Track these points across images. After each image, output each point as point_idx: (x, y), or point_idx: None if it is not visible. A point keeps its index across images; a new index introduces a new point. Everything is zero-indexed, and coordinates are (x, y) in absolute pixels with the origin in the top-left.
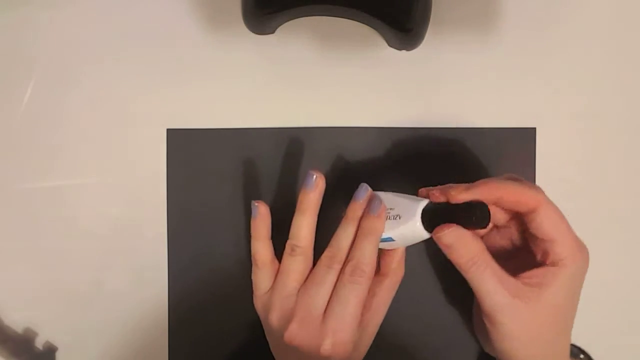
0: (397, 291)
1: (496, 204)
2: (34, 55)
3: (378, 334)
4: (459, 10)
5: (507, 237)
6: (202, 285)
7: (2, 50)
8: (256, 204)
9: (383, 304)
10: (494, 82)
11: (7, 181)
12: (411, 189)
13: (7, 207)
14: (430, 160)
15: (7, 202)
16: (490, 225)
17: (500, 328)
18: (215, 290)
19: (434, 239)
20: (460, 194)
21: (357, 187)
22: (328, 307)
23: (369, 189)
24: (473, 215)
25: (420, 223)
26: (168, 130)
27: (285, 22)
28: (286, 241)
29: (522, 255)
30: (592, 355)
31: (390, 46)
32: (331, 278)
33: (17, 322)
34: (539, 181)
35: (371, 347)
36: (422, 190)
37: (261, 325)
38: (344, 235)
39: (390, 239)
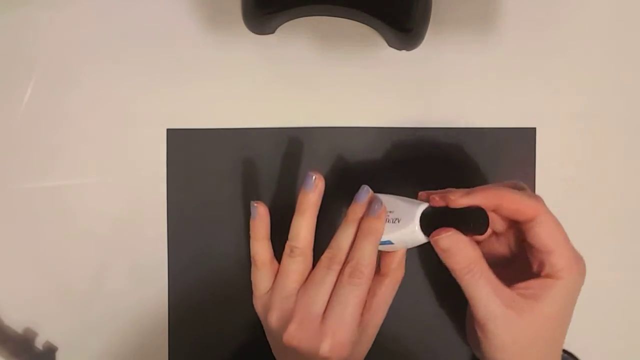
0: (395, 294)
1: (495, 211)
2: (34, 55)
3: (378, 335)
4: (459, 10)
5: (504, 246)
6: (202, 285)
7: (2, 50)
8: (255, 204)
9: (383, 304)
10: (494, 82)
11: (7, 181)
12: (411, 188)
13: (7, 207)
14: (430, 161)
15: (7, 202)
16: (489, 232)
17: (491, 338)
18: (215, 290)
19: (431, 242)
20: (460, 199)
21: (358, 188)
22: (327, 308)
23: (370, 190)
24: (471, 221)
25: (419, 227)
26: (168, 130)
27: (285, 22)
28: (286, 241)
29: (518, 264)
30: None
31: (390, 46)
32: (330, 279)
33: (17, 322)
34: (539, 181)
35: (372, 348)
36: (422, 194)
37: (261, 325)
38: (344, 236)
39: (389, 242)
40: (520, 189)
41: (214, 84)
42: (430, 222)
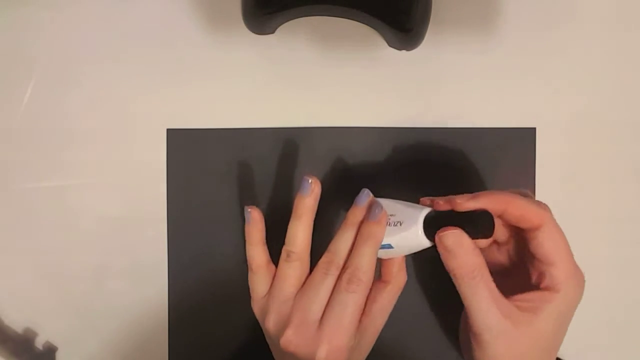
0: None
1: (500, 217)
2: (34, 55)
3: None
4: (459, 10)
5: (504, 255)
6: (202, 285)
7: (2, 50)
8: (249, 209)
9: (384, 311)
10: (494, 82)
11: (8, 181)
12: (411, 189)
13: (7, 207)
14: (430, 161)
15: (7, 202)
16: (490, 240)
17: (485, 347)
18: (215, 290)
19: (435, 241)
20: (466, 203)
21: (358, 190)
22: (324, 313)
23: (371, 194)
24: (477, 224)
25: (422, 231)
26: (168, 130)
27: (285, 22)
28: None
29: (516, 275)
30: None
31: (390, 46)
32: (328, 284)
33: (17, 322)
34: (539, 181)
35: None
36: (425, 200)
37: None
38: (343, 240)
39: (389, 246)
40: (525, 196)
41: (214, 84)
42: (434, 226)
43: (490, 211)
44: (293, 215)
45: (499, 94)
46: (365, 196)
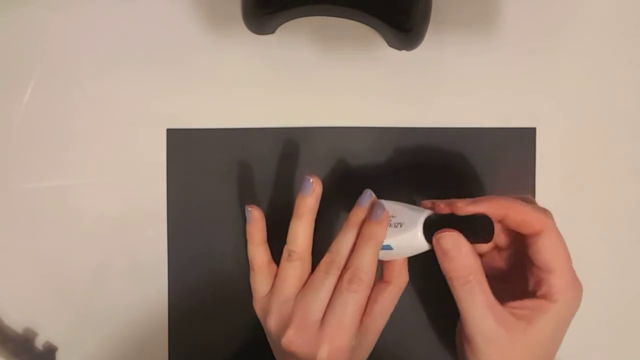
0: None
1: (501, 222)
2: (34, 55)
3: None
4: (459, 10)
5: (503, 261)
6: (202, 285)
7: (2, 50)
8: (250, 208)
9: (385, 311)
10: (494, 83)
11: (8, 181)
12: (411, 189)
13: (7, 207)
14: (430, 161)
15: (7, 202)
16: (490, 245)
17: (478, 353)
18: (215, 290)
19: (433, 243)
20: (467, 207)
21: (360, 190)
22: (326, 313)
23: (373, 195)
24: (477, 228)
25: (422, 233)
26: (168, 130)
27: (285, 22)
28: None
29: (513, 281)
30: None
31: (390, 46)
32: (329, 284)
33: (17, 322)
34: (539, 181)
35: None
36: (426, 203)
37: (262, 326)
38: (344, 240)
39: (389, 247)
40: (527, 201)
41: (214, 84)
42: (434, 229)
43: (491, 216)
44: (294, 215)
45: (499, 94)
46: (368, 197)
